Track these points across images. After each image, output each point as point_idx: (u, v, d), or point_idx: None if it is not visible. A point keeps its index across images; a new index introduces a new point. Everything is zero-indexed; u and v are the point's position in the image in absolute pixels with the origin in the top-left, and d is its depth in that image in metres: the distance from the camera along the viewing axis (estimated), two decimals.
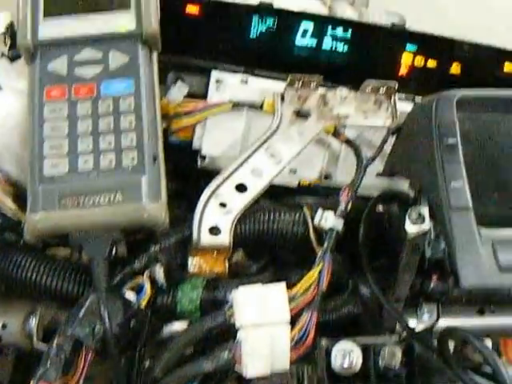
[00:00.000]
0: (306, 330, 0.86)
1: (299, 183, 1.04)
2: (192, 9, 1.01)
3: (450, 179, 0.84)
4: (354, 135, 1.01)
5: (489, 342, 1.11)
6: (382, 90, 0.98)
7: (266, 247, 0.99)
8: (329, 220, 0.91)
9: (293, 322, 0.85)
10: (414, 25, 1.15)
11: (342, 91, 0.96)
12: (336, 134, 0.98)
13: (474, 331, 0.95)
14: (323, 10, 1.25)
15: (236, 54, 1.04)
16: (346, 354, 0.86)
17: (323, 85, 0.99)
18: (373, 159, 0.96)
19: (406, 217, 0.86)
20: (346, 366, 0.85)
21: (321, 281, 0.88)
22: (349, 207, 0.92)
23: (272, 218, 0.95)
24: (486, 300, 0.97)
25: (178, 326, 0.91)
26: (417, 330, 0.92)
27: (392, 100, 0.98)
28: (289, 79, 0.93)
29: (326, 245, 0.90)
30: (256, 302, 0.85)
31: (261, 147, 0.93)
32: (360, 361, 0.86)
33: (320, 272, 0.89)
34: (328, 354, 0.87)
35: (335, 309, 0.95)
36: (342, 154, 1.02)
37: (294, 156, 0.94)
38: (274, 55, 1.05)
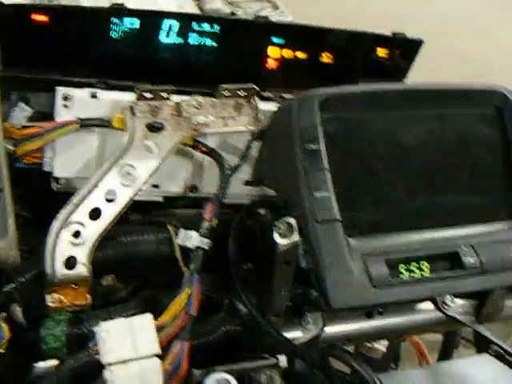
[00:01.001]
0: (178, 360, 0.80)
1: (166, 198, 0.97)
2: (40, 17, 0.92)
3: (313, 189, 0.78)
4: (217, 143, 0.95)
5: (384, 342, 1.09)
6: (242, 93, 0.91)
7: (136, 270, 0.92)
8: (192, 239, 0.85)
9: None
10: None
11: (197, 99, 0.89)
12: (194, 145, 0.91)
13: (364, 335, 0.92)
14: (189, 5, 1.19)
15: (94, 62, 0.97)
16: None
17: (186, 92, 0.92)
18: (235, 168, 0.90)
19: (274, 229, 0.81)
20: None
21: (190, 306, 0.83)
22: (213, 223, 0.86)
23: (135, 239, 0.89)
24: None
25: (45, 365, 0.84)
26: (302, 340, 0.87)
27: (253, 103, 0.92)
28: (137, 92, 0.86)
29: (192, 266, 0.84)
30: (122, 336, 0.79)
31: (113, 167, 0.85)
32: None
33: (188, 296, 0.83)
34: None
35: (212, 330, 0.89)
36: (205, 163, 0.96)
37: (150, 173, 0.87)
38: (138, 58, 0.99)
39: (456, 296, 0.97)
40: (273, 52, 1.09)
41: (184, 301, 0.83)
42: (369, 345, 1.17)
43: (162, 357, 0.79)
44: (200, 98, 0.89)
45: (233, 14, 1.39)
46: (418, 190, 0.87)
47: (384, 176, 0.86)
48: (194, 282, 0.84)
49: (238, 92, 0.91)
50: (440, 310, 0.96)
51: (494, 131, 0.93)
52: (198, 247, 0.85)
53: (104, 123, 0.88)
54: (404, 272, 0.78)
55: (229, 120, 0.92)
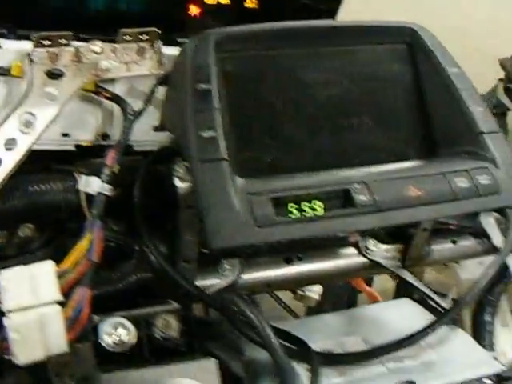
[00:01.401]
0: (79, 307, 0.80)
1: (78, 146, 0.96)
2: None
3: (200, 129, 0.77)
4: (125, 89, 0.94)
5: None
6: (144, 38, 0.90)
7: (46, 219, 0.91)
8: (93, 185, 0.85)
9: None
10: None
11: (97, 44, 0.87)
12: (97, 91, 0.90)
13: (283, 281, 0.92)
14: None
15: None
16: (115, 330, 0.80)
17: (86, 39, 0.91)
18: (139, 113, 0.89)
19: (173, 173, 0.80)
20: (115, 341, 0.80)
21: (91, 252, 0.82)
22: (115, 169, 0.85)
23: (42, 189, 0.88)
24: (292, 248, 0.92)
25: None
26: (218, 287, 0.87)
27: (156, 47, 0.90)
28: (34, 39, 0.85)
29: (93, 212, 0.84)
30: (22, 283, 0.78)
31: (12, 116, 0.84)
32: (132, 335, 0.81)
33: (89, 242, 0.82)
34: (97, 330, 0.80)
35: (123, 277, 0.89)
36: (115, 111, 0.95)
37: (51, 120, 0.86)
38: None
39: (381, 241, 0.96)
40: None
41: (85, 247, 0.82)
42: (301, 293, 1.16)
43: (64, 303, 0.79)
44: (100, 44, 0.88)
45: None
46: (321, 129, 0.86)
47: (284, 116, 0.85)
48: (95, 227, 0.83)
49: (140, 36, 0.90)
50: (362, 254, 0.95)
51: (404, 68, 0.91)
52: (100, 193, 0.84)
53: (4, 72, 0.87)
54: (294, 211, 0.76)
55: (131, 65, 0.90)
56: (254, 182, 0.78)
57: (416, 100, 0.90)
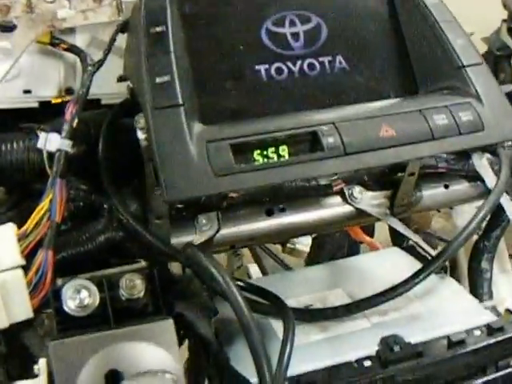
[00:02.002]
0: (42, 271, 0.77)
1: (41, 103, 0.92)
2: None
3: (155, 74, 0.72)
4: (86, 40, 0.89)
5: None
6: None
7: (10, 180, 0.88)
8: (53, 142, 0.80)
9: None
10: None
11: None
12: (54, 42, 0.85)
13: (266, 234, 0.87)
14: None
15: None
16: (77, 293, 0.76)
17: None
18: (100, 64, 0.84)
19: (135, 124, 0.76)
20: (77, 305, 0.76)
21: (52, 211, 0.78)
22: (74, 123, 0.81)
23: (3, 149, 0.84)
24: (273, 199, 0.87)
25: None
26: (196, 243, 0.82)
27: None
28: None
29: (54, 169, 0.80)
30: None
31: None
32: (96, 297, 0.77)
33: (51, 201, 0.78)
34: (59, 294, 0.77)
35: (92, 238, 0.85)
36: (78, 63, 0.90)
37: (3, 76, 0.81)
38: None
39: (368, 188, 0.91)
40: None
41: (46, 207, 0.78)
42: (291, 246, 1.11)
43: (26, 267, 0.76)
44: None
45: None
46: (288, 71, 0.80)
47: (246, 58, 0.79)
48: (56, 186, 0.79)
49: None
50: (348, 202, 0.89)
51: (380, 2, 0.85)
52: (59, 149, 0.80)
53: None
54: (257, 157, 0.71)
55: (89, 13, 0.85)
56: (213, 128, 0.73)
57: (393, 35, 0.85)
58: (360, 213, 0.89)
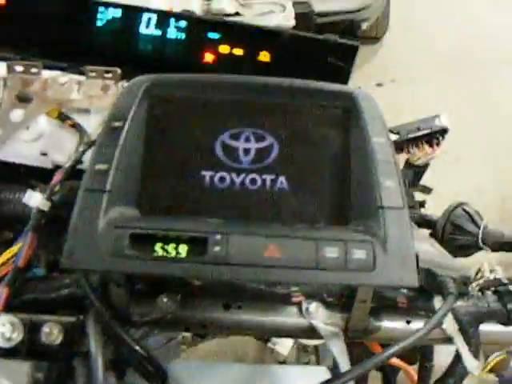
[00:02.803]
0: None
1: (55, 165, 1.07)
2: None
3: (97, 162, 0.85)
4: (99, 118, 1.04)
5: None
6: (108, 76, 0.99)
7: (5, 224, 1.04)
8: (33, 200, 0.95)
9: None
10: None
11: (64, 77, 0.98)
12: (62, 117, 1.00)
13: (219, 325, 0.95)
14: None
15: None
16: (3, 325, 0.89)
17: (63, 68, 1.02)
18: (91, 144, 0.98)
19: None
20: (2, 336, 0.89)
21: (17, 257, 0.93)
22: (56, 189, 0.95)
23: (5, 198, 1.00)
24: (232, 294, 0.95)
25: None
26: (149, 319, 0.93)
27: (119, 85, 0.99)
28: (7, 65, 0.98)
29: (30, 223, 0.94)
30: None
31: None
32: (17, 334, 0.89)
33: (19, 248, 0.93)
34: None
35: (57, 288, 0.98)
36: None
37: (11, 139, 0.98)
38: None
39: (327, 307, 0.95)
40: (210, 47, 1.14)
41: (14, 251, 0.93)
42: (271, 346, 1.16)
43: None
44: (66, 77, 0.98)
45: (237, 13, 1.45)
46: (228, 181, 0.88)
47: (196, 163, 0.89)
48: (27, 237, 0.93)
49: (105, 75, 0.99)
50: (303, 316, 0.95)
51: (335, 133, 0.91)
52: (38, 207, 0.95)
53: None
54: (158, 250, 0.80)
55: (94, 99, 1.00)
56: (130, 217, 0.83)
57: (341, 166, 0.89)
58: (312, 328, 0.94)
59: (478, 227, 1.22)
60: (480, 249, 1.23)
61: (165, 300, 0.92)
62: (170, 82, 0.92)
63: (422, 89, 4.08)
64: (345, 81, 1.16)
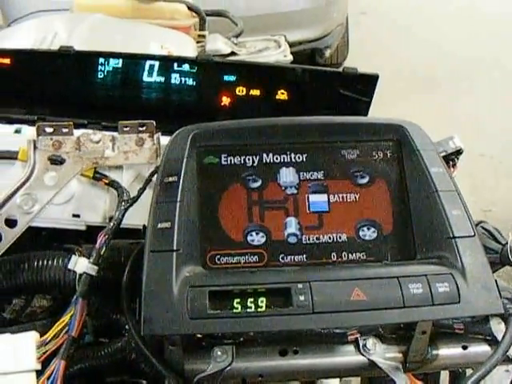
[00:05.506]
0: (53, 378, 0.86)
1: (89, 226, 1.03)
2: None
3: (158, 220, 0.82)
4: (132, 175, 1.00)
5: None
6: (142, 129, 0.96)
7: (47, 293, 0.99)
8: (80, 265, 0.91)
9: None
10: None
11: (95, 135, 0.95)
12: (96, 177, 0.97)
13: (276, 373, 0.92)
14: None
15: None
16: None
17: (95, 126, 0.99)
18: (133, 201, 0.95)
19: None
20: None
21: (71, 326, 0.88)
22: (102, 251, 0.91)
23: (44, 265, 0.96)
24: (288, 340, 0.92)
25: None
26: (207, 373, 0.89)
27: (155, 138, 0.96)
28: (37, 127, 0.94)
29: (78, 290, 0.90)
30: (5, 351, 0.86)
31: (14, 195, 0.93)
32: None
33: (71, 317, 0.88)
34: None
35: (109, 355, 0.94)
36: None
37: (48, 202, 0.94)
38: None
39: (383, 341, 0.94)
40: (226, 89, 1.12)
41: (66, 321, 0.88)
42: None
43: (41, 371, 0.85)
44: (99, 134, 0.95)
45: (233, 53, 1.44)
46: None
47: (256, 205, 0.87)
48: (78, 304, 0.89)
49: (140, 128, 0.96)
50: (360, 353, 0.93)
51: (390, 166, 0.90)
52: (85, 273, 0.91)
53: (12, 155, 0.97)
54: (238, 306, 0.78)
55: (130, 154, 0.96)
56: (203, 274, 0.80)
57: (399, 200, 0.88)
58: (372, 364, 0.92)
59: (500, 243, 1.23)
60: (504, 265, 1.24)
61: (219, 353, 0.89)
62: (214, 130, 0.90)
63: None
64: (365, 113, 1.16)
